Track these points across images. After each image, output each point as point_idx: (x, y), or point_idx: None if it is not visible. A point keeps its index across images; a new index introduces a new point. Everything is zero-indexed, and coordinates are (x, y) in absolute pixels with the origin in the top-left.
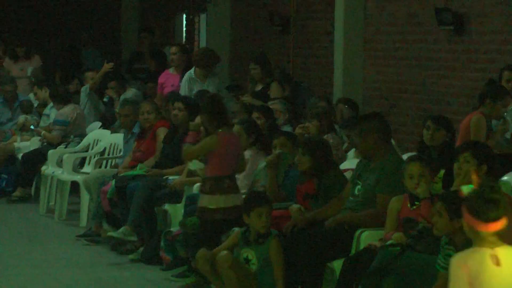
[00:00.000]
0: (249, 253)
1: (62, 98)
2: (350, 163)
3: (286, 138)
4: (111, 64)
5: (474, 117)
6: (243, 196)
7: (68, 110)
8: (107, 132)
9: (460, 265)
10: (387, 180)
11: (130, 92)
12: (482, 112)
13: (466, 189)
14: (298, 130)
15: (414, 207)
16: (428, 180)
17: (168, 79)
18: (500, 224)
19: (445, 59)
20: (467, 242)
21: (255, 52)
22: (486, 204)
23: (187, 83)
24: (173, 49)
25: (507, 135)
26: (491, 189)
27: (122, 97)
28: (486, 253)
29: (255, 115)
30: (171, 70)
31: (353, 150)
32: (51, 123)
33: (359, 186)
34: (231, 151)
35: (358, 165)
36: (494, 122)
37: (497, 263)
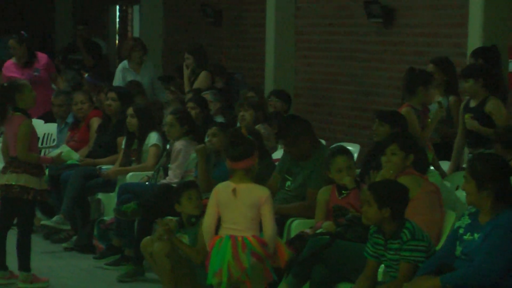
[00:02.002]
0: (182, 237)
1: None
2: (281, 153)
3: (218, 128)
4: None
5: (404, 110)
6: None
7: None
8: (41, 122)
9: (214, 190)
10: (318, 176)
11: None
12: (409, 104)
13: None
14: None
15: (343, 195)
16: (353, 170)
17: (15, 73)
18: (242, 164)
19: (374, 51)
20: (395, 230)
21: (189, 44)
22: (230, 145)
23: (121, 73)
24: (10, 42)
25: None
26: (233, 134)
27: None
28: (230, 185)
29: (189, 105)
30: (14, 60)
31: None
32: None
33: (289, 182)
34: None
35: (284, 158)
36: (432, 108)
37: (235, 194)
